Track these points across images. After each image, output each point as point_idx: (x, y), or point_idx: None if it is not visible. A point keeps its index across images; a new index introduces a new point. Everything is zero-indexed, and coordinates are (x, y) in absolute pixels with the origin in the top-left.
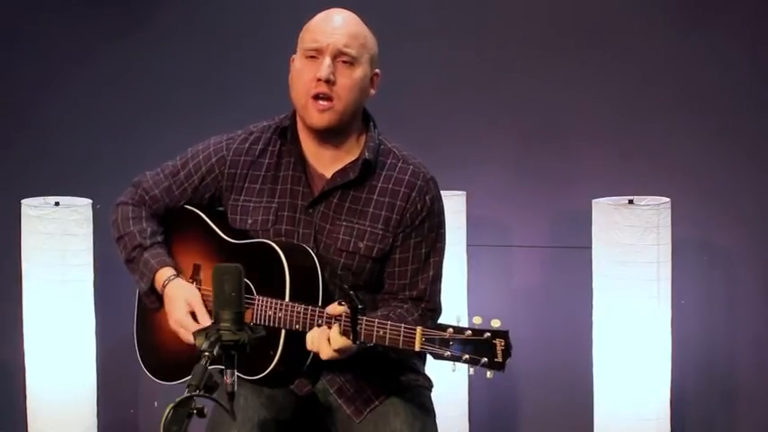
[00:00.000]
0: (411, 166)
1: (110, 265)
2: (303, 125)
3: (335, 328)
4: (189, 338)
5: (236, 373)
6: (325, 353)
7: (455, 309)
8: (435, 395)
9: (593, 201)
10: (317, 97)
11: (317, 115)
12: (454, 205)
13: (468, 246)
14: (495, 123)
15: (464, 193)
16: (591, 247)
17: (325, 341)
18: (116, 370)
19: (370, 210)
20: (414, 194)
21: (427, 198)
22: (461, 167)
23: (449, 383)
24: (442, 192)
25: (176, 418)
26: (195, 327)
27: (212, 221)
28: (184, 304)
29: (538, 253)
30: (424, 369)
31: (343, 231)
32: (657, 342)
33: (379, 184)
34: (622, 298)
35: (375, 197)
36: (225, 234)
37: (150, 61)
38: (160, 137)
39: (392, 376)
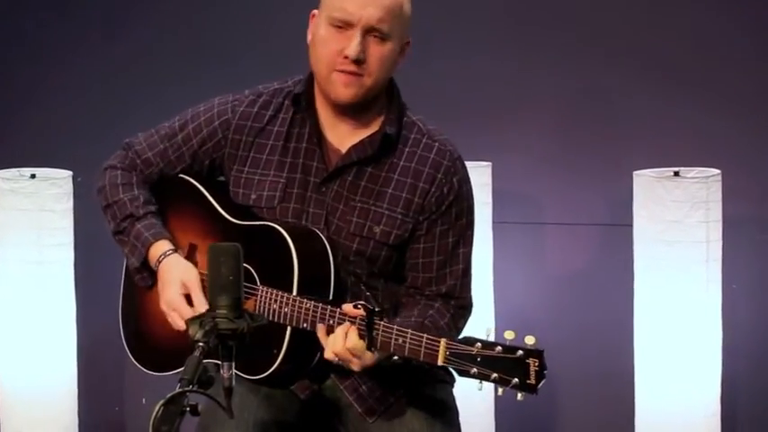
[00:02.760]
0: (437, 144)
1: (92, 244)
2: (322, 95)
3: (354, 327)
4: (179, 324)
5: (234, 370)
6: (339, 349)
7: (479, 294)
8: (458, 391)
9: (635, 173)
10: (341, 71)
11: (341, 90)
12: (479, 178)
13: (494, 223)
14: (525, 86)
15: (489, 164)
16: (632, 225)
17: (341, 337)
18: (99, 362)
19: (389, 191)
20: (440, 176)
21: (455, 180)
22: (486, 135)
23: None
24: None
25: (167, 417)
26: (188, 311)
27: (212, 196)
28: (179, 284)
29: (572, 231)
30: None
31: (358, 214)
32: (706, 330)
33: (401, 163)
34: (667, 281)
35: (395, 177)
36: (226, 212)
37: (136, 18)
38: (148, 100)
39: (409, 370)
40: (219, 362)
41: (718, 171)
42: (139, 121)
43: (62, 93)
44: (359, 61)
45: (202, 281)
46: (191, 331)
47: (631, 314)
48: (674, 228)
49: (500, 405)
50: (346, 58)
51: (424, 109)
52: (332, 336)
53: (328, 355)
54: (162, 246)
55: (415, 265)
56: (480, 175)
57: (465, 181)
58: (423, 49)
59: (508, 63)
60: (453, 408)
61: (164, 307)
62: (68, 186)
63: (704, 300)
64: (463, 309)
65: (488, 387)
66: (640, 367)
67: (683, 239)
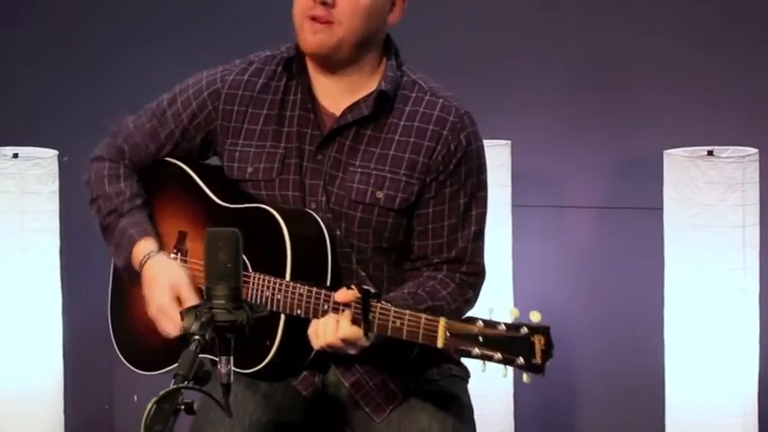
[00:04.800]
0: (441, 100)
1: (79, 229)
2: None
3: (347, 313)
4: (171, 332)
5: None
6: (331, 339)
7: (497, 282)
8: (473, 388)
9: (665, 152)
10: (313, 18)
11: (309, 37)
12: (497, 158)
13: (513, 206)
14: (546, 58)
15: (508, 143)
16: (662, 209)
17: (332, 327)
18: (87, 357)
19: (391, 152)
20: (446, 133)
21: (462, 137)
22: (505, 112)
23: (489, 373)
24: None
25: (160, 416)
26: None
27: (200, 178)
28: (167, 288)
29: (597, 215)
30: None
31: (358, 179)
32: (742, 322)
33: (402, 122)
34: (700, 269)
35: (396, 137)
36: (216, 195)
37: None
38: (139, 73)
39: (420, 365)
40: (213, 357)
41: (755, 150)
42: (129, 96)
43: (47, 66)
44: (325, 4)
45: (193, 272)
46: (185, 323)
47: (661, 305)
48: (707, 211)
49: (520, 404)
50: (314, 0)
51: (441, 82)
52: (321, 324)
53: (319, 345)
54: (145, 246)
55: (425, 232)
56: (498, 155)
57: (474, 138)
58: (434, 19)
59: (526, 32)
60: (467, 404)
61: (155, 313)
62: (54, 167)
63: (740, 289)
64: (474, 276)
65: (507, 382)
66: (671, 362)
67: (717, 224)
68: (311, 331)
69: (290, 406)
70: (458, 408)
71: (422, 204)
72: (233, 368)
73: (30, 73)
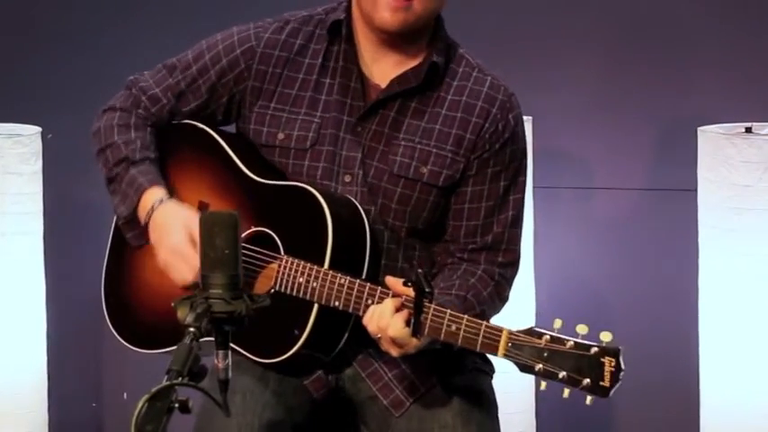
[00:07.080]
0: (489, 78)
1: (65, 212)
2: (365, 23)
3: (404, 312)
4: (186, 277)
5: (248, 354)
6: (383, 325)
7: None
8: (495, 384)
9: (699, 129)
10: None
11: (388, 15)
12: None
13: (534, 188)
14: (572, 28)
15: (530, 119)
16: (695, 190)
17: (388, 315)
18: (73, 351)
19: (437, 127)
20: (495, 111)
21: (510, 117)
22: (526, 86)
23: (512, 369)
24: None
25: (152, 415)
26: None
27: (230, 147)
28: (183, 229)
29: (625, 197)
30: None
31: (402, 152)
32: None
33: (449, 97)
34: (737, 255)
35: (443, 112)
36: (247, 168)
37: None
38: (132, 45)
39: (443, 357)
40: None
41: None
42: (118, 71)
43: (28, 35)
44: None
45: None
46: (179, 314)
47: (695, 293)
48: (744, 193)
49: (541, 401)
50: None
51: None
52: (378, 309)
53: (372, 329)
54: (155, 193)
55: (460, 211)
56: None
57: (520, 120)
58: None
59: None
60: (491, 401)
61: (166, 257)
62: (37, 145)
63: None
64: (510, 267)
65: (525, 381)
66: (706, 355)
67: (755, 206)
68: (368, 314)
69: (301, 406)
70: (483, 405)
71: (462, 182)
72: (254, 358)
73: (10, 43)
